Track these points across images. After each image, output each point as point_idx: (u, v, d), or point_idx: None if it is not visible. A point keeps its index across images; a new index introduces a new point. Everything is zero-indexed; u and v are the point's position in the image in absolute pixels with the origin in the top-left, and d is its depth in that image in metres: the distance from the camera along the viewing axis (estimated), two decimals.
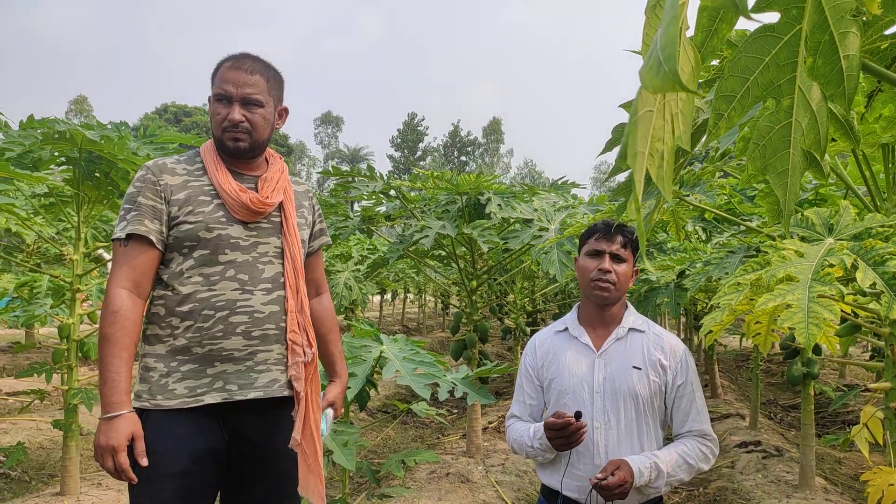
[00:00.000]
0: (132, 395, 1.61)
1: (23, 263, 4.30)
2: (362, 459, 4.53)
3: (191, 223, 1.63)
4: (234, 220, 1.67)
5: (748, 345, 10.56)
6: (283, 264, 1.73)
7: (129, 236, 1.61)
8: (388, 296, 16.82)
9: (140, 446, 1.54)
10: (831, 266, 1.53)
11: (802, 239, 1.76)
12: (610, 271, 1.76)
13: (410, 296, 18.17)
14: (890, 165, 2.09)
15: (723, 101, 0.65)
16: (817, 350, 4.18)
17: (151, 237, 1.62)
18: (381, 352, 2.16)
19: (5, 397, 5.92)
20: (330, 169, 4.27)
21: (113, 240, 1.65)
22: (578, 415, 1.64)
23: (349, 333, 2.39)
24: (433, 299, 16.85)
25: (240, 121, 1.65)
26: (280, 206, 1.75)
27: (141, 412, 1.60)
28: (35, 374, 3.57)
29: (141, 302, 1.62)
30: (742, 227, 3.56)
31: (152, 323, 1.66)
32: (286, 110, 1.82)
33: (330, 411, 1.87)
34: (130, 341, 1.56)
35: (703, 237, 5.41)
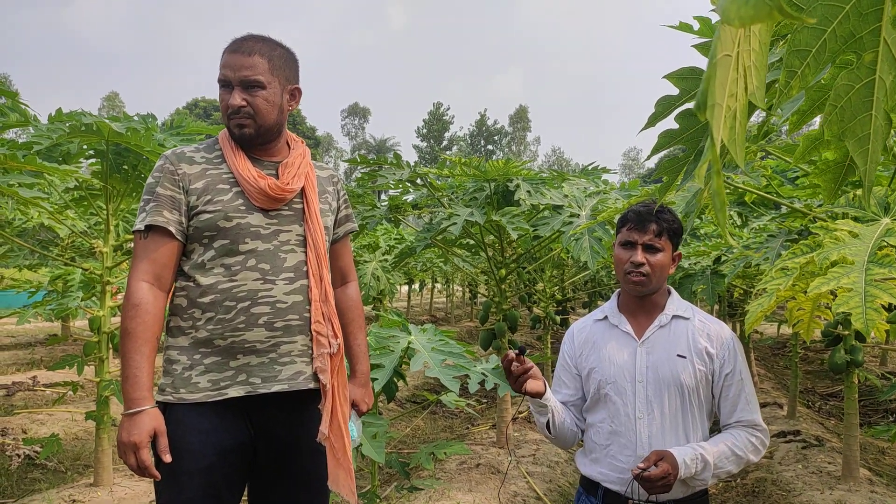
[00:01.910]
0: (156, 389, 1.59)
1: (57, 257, 4.35)
2: (392, 451, 4.51)
3: (210, 212, 1.59)
4: (254, 208, 1.62)
5: (786, 332, 10.31)
6: (305, 252, 1.67)
7: (149, 228, 1.57)
8: (416, 286, 16.83)
9: (163, 442, 1.51)
10: (890, 247, 1.43)
11: (855, 219, 1.66)
12: (643, 263, 1.67)
13: (438, 285, 18.14)
14: None
15: (796, 56, 0.56)
16: (861, 337, 4.02)
17: (171, 228, 1.57)
18: (410, 342, 2.10)
19: (42, 388, 6.04)
20: (357, 158, 4.23)
21: (133, 232, 1.61)
22: (522, 350, 1.61)
23: (377, 323, 2.34)
24: (461, 289, 16.80)
25: (240, 105, 1.59)
26: (302, 193, 1.69)
27: (164, 406, 1.57)
28: (68, 367, 3.61)
29: (163, 295, 1.58)
30: (785, 210, 3.42)
31: (175, 315, 1.63)
32: (298, 90, 1.74)
33: (353, 415, 1.80)
34: (152, 335, 1.52)
35: (738, 222, 5.25)
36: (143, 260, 1.56)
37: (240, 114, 1.60)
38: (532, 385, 1.63)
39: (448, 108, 77.26)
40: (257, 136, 1.64)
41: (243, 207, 1.61)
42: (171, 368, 1.59)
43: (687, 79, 1.10)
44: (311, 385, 1.66)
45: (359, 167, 4.42)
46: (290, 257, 1.65)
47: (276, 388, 1.61)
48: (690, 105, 1.15)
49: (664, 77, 1.13)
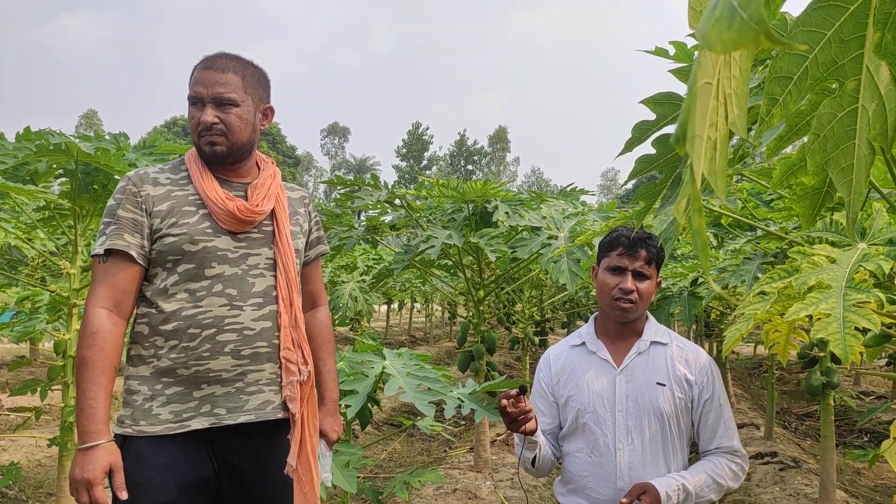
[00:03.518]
0: (115, 421, 1.51)
1: (25, 279, 4.23)
2: (367, 477, 4.42)
3: (174, 235, 1.52)
4: (222, 231, 1.56)
5: (762, 352, 10.39)
6: (275, 277, 1.61)
7: (109, 252, 1.51)
8: (395, 305, 16.72)
9: (119, 478, 1.43)
10: (867, 273, 1.42)
11: (832, 244, 1.65)
12: (633, 290, 1.64)
13: (417, 305, 18.05)
14: None
15: (777, 83, 0.55)
16: (837, 359, 4.05)
17: (132, 252, 1.51)
18: (384, 367, 2.05)
19: (6, 413, 5.84)
20: (335, 179, 4.19)
21: (92, 256, 1.55)
22: (523, 389, 1.55)
23: (351, 348, 2.29)
24: (440, 308, 16.75)
25: (212, 122, 1.54)
26: (272, 215, 1.64)
27: (123, 439, 1.49)
28: (30, 392, 3.48)
29: (122, 322, 1.51)
30: (761, 232, 3.44)
31: (136, 343, 1.56)
32: (271, 110, 1.71)
33: (322, 446, 1.73)
34: (110, 364, 1.45)
35: (715, 243, 5.29)
36: (101, 285, 1.49)
37: (212, 131, 1.55)
38: (528, 425, 1.58)
39: (427, 128, 77.68)
40: (229, 155, 1.59)
41: (210, 230, 1.55)
42: (131, 399, 1.52)
43: (663, 104, 1.08)
44: (280, 415, 1.60)
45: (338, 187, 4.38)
46: (258, 282, 1.60)
47: (242, 418, 1.55)
48: (667, 130, 1.14)
49: (641, 102, 1.11)
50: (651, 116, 1.11)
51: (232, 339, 1.54)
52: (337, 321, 5.98)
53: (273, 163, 1.76)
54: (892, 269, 1.39)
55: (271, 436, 1.62)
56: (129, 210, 1.53)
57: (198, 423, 1.51)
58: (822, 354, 3.94)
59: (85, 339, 1.45)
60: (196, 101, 1.57)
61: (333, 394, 1.82)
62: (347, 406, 1.94)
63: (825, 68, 0.54)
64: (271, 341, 1.59)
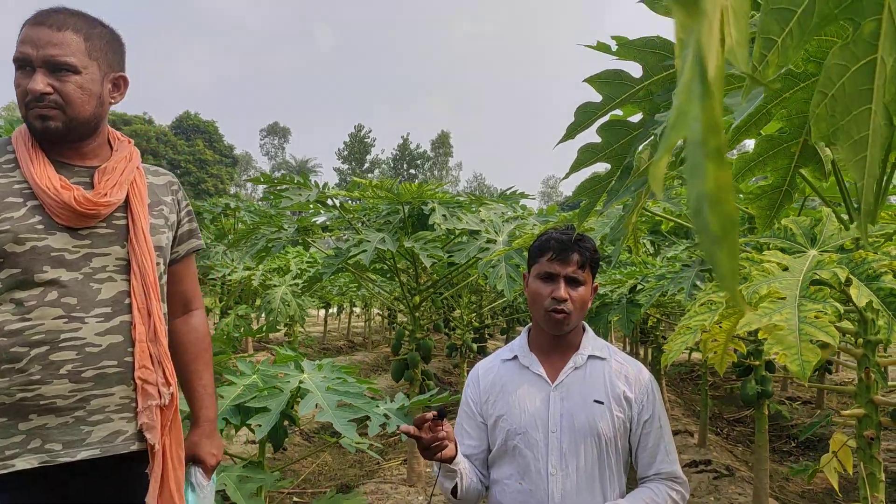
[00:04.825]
0: None
1: None
2: (289, 493, 4.16)
3: None
4: (57, 227, 1.29)
5: (696, 358, 10.60)
6: (128, 281, 1.35)
7: None
8: (334, 310, 16.32)
9: None
10: (822, 283, 1.32)
11: (782, 251, 1.56)
12: (566, 299, 1.48)
13: (357, 310, 17.68)
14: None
15: (774, 18, 0.40)
16: (771, 367, 4.07)
17: None
18: (301, 382, 1.84)
19: None
20: (260, 177, 3.93)
21: None
22: (441, 414, 1.37)
23: (267, 360, 2.07)
24: (380, 314, 16.48)
25: (43, 91, 1.26)
26: (126, 206, 1.38)
27: None
28: None
29: None
30: (697, 240, 3.40)
31: None
32: (124, 80, 1.44)
33: (198, 474, 1.48)
34: None
35: (651, 250, 5.29)
36: None
37: (43, 102, 1.27)
38: (444, 452, 1.40)
39: (370, 131, 77.14)
40: (67, 133, 1.32)
41: (41, 227, 1.28)
42: None
43: (611, 83, 0.93)
44: (135, 447, 1.34)
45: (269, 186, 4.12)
46: (106, 287, 1.33)
47: (83, 454, 1.28)
48: (615, 114, 0.99)
49: (585, 80, 0.96)
50: (597, 98, 0.95)
51: (70, 359, 1.28)
52: (267, 326, 5.68)
53: (130, 142, 1.49)
54: (847, 277, 1.29)
55: (123, 472, 1.37)
56: None
57: (24, 463, 1.24)
58: (756, 363, 3.94)
59: None
60: (23, 63, 1.28)
61: (210, 412, 1.56)
62: (258, 426, 1.72)
63: (837, 2, 0.40)
64: (123, 359, 1.33)
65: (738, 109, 0.68)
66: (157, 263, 1.41)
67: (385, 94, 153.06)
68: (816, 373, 6.35)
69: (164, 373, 1.37)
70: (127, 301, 1.35)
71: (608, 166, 1.02)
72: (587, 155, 0.99)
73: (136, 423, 1.34)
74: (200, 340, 1.58)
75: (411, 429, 1.37)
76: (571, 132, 0.97)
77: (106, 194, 1.33)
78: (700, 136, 0.20)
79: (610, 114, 0.96)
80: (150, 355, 1.35)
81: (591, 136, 1.01)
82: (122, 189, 1.37)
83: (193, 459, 1.49)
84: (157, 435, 1.34)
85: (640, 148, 0.77)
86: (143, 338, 1.35)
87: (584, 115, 0.95)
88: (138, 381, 1.33)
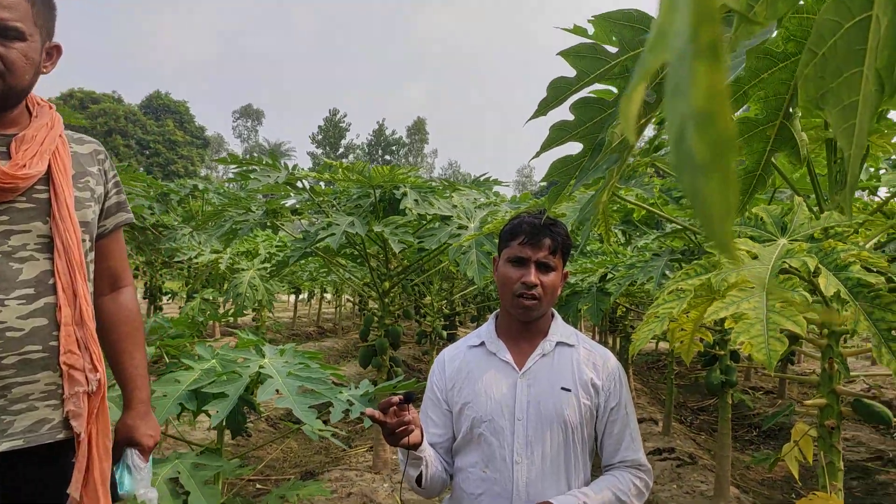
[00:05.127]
0: None
1: None
2: (253, 479, 4.10)
3: None
4: None
5: (663, 347, 10.76)
6: (51, 260, 1.26)
7: None
8: (304, 296, 16.15)
9: None
10: (793, 272, 1.31)
11: (752, 239, 1.55)
12: (536, 284, 1.45)
13: (328, 296, 17.55)
14: (833, 164, 1.93)
15: None
16: (736, 357, 4.12)
17: None
18: (261, 366, 1.79)
19: None
20: (227, 157, 3.83)
21: None
22: (409, 398, 1.32)
23: (227, 344, 2.01)
24: (351, 300, 16.38)
25: None
26: (48, 178, 1.28)
27: None
28: None
29: None
30: (671, 229, 3.41)
31: None
32: (58, 49, 1.36)
33: (135, 456, 1.40)
34: None
35: (622, 240, 5.31)
36: None
37: None
38: (410, 438, 1.35)
39: (345, 116, 76.37)
40: (4, 100, 1.23)
41: None
42: None
43: (586, 58, 0.89)
44: (61, 436, 1.27)
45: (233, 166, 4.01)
46: (27, 267, 1.24)
47: (5, 445, 1.21)
48: (589, 91, 0.95)
49: (559, 54, 0.91)
50: (571, 73, 0.91)
51: None
52: (234, 311, 5.58)
53: (52, 107, 1.39)
54: (816, 266, 1.28)
55: (49, 463, 1.29)
56: None
57: None
58: (722, 353, 3.99)
59: None
60: None
61: (143, 393, 1.47)
62: (215, 412, 1.66)
63: None
64: (47, 343, 1.25)
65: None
66: (83, 240, 1.33)
67: (362, 79, 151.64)
68: (780, 363, 6.47)
69: (91, 357, 1.29)
70: (51, 281, 1.26)
71: (581, 146, 0.98)
72: (559, 133, 0.95)
73: (62, 411, 1.27)
74: (131, 319, 1.49)
75: (376, 413, 1.32)
76: (543, 108, 0.93)
77: (25, 165, 1.23)
78: (689, 28, 0.16)
79: (584, 91, 0.92)
80: (77, 339, 1.27)
81: (564, 114, 0.97)
82: (42, 160, 1.27)
83: (129, 442, 1.42)
84: (84, 423, 1.27)
85: (615, 122, 0.74)
86: (69, 321, 1.27)
87: (557, 91, 0.91)
88: (64, 367, 1.25)
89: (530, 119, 0.93)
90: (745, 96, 0.92)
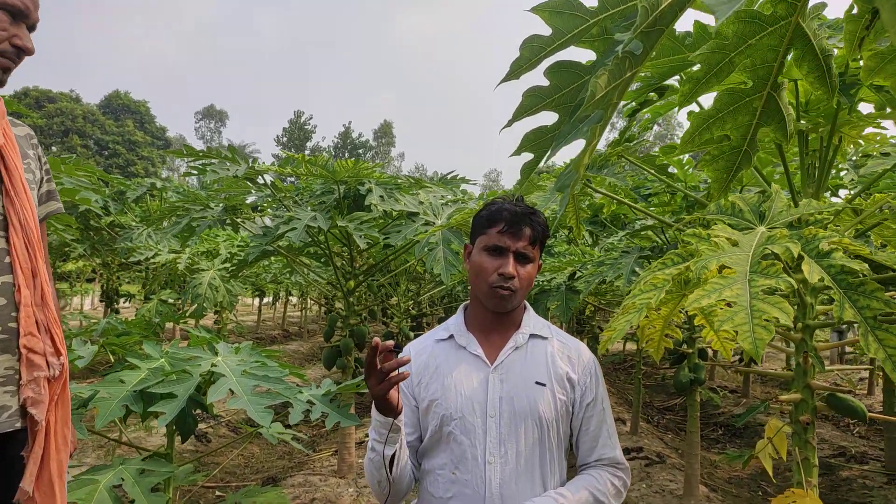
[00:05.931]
0: None
1: None
2: (211, 485, 3.93)
3: None
4: None
5: (631, 347, 10.83)
6: (7, 238, 1.19)
7: None
8: (269, 298, 15.84)
9: None
10: (775, 258, 1.26)
11: (731, 227, 1.49)
12: (514, 276, 1.36)
13: (294, 299, 17.23)
14: (806, 156, 1.90)
15: None
16: (704, 355, 4.11)
17: None
18: (213, 365, 1.66)
19: None
20: (183, 149, 3.67)
21: None
22: (398, 347, 1.23)
23: (177, 342, 1.88)
24: (316, 303, 16.15)
25: None
26: None
27: None
28: None
29: None
30: (639, 227, 3.39)
31: None
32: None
33: None
34: None
35: (590, 241, 5.29)
36: None
37: None
38: (394, 395, 1.25)
39: (311, 117, 75.68)
40: None
41: None
42: None
43: (562, 14, 0.81)
44: (19, 424, 1.20)
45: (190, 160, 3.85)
46: None
47: None
48: (565, 53, 0.87)
49: (532, 10, 0.83)
50: (546, 31, 0.83)
51: None
52: (193, 312, 5.39)
53: None
54: (799, 252, 1.23)
55: (9, 453, 1.21)
56: None
57: None
58: (689, 351, 3.98)
59: None
60: None
61: None
62: (161, 413, 1.54)
63: None
64: (6, 325, 1.18)
65: (720, 10, 0.57)
66: (37, 219, 1.26)
67: (330, 83, 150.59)
68: (742, 362, 6.53)
69: (52, 341, 1.23)
70: (7, 260, 1.19)
71: (556, 116, 0.90)
72: (533, 100, 0.87)
73: (19, 397, 1.19)
74: None
75: (384, 344, 1.20)
76: (515, 70, 0.85)
77: None
78: None
79: (560, 53, 0.84)
80: (37, 321, 1.21)
81: (538, 79, 0.89)
82: None
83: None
84: (43, 411, 1.19)
85: (598, 72, 0.66)
86: (29, 301, 1.19)
87: (531, 52, 0.83)
88: (23, 351, 1.18)
89: (502, 81, 0.84)
90: (730, 65, 0.85)
